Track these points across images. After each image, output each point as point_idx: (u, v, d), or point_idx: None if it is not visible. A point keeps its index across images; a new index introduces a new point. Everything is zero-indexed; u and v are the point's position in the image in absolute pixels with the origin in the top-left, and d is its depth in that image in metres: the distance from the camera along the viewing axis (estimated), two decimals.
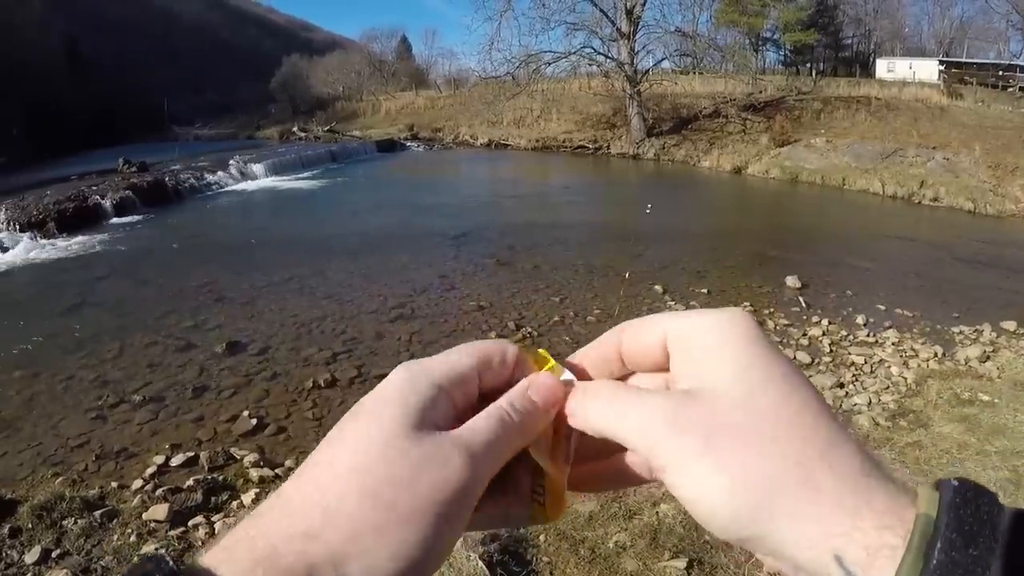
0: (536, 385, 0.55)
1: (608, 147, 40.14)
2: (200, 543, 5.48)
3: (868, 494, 0.42)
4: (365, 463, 0.47)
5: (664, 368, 0.55)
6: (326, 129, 50.19)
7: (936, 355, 10.00)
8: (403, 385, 0.52)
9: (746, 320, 0.53)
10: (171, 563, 0.44)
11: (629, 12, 38.96)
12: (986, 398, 7.77)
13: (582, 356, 0.59)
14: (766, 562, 0.47)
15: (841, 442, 0.45)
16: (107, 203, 21.87)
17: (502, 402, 0.54)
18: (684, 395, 0.50)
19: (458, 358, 0.55)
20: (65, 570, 5.12)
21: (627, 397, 0.52)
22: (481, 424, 0.52)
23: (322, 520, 0.45)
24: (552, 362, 0.58)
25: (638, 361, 0.57)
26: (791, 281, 13.82)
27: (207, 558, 0.44)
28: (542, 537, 4.65)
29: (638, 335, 0.56)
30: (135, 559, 4.90)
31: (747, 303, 12.55)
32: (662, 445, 0.48)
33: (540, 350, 0.60)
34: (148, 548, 5.37)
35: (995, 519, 0.39)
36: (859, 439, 0.47)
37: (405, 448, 0.48)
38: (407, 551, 0.45)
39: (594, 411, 0.53)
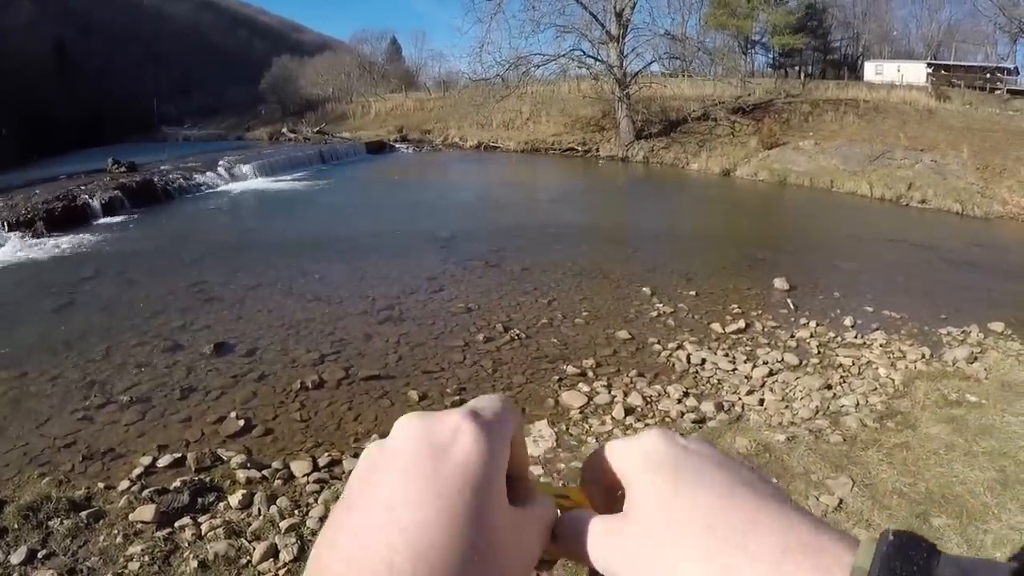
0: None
1: (597, 149, 40.24)
2: (187, 544, 5.46)
3: (792, 571, 0.44)
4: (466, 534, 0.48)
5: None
6: (315, 130, 50.09)
7: (924, 356, 10.04)
8: (487, 460, 0.52)
9: (656, 440, 0.56)
10: None
11: (618, 15, 39.05)
12: (973, 399, 7.80)
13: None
14: None
15: (761, 523, 0.47)
16: (96, 203, 21.81)
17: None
18: (622, 519, 0.53)
19: (512, 425, 0.57)
20: (51, 571, 5.10)
21: (587, 523, 0.55)
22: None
23: None
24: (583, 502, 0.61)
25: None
26: (779, 283, 13.87)
27: None
28: None
29: (593, 468, 0.60)
30: None
31: (735, 305, 12.59)
32: (611, 565, 0.52)
33: (573, 488, 0.62)
34: (134, 549, 5.34)
35: (925, 569, 0.41)
36: (787, 502, 0.50)
37: (508, 522, 0.51)
38: None
39: (568, 541, 0.56)
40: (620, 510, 0.56)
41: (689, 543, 0.48)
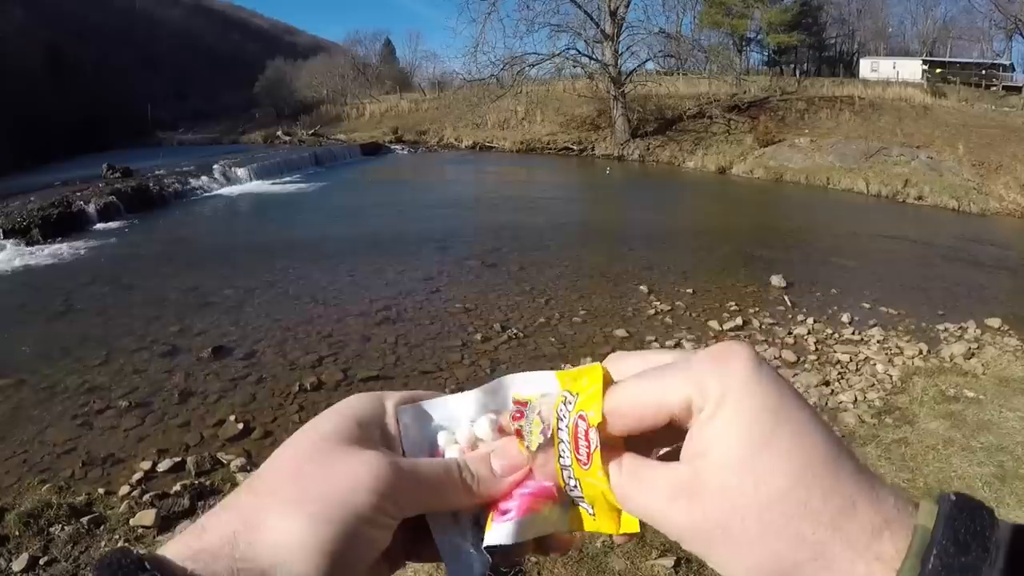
0: (501, 454, 0.57)
1: (593, 148, 40.26)
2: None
3: (879, 547, 0.42)
4: (296, 454, 0.54)
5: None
6: (310, 133, 50.01)
7: (921, 352, 10.04)
8: (340, 406, 0.58)
9: (753, 369, 0.48)
10: (136, 552, 0.47)
11: (613, 14, 39.10)
12: (971, 395, 7.82)
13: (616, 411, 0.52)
14: None
15: (851, 498, 0.44)
16: (91, 209, 21.72)
17: (459, 458, 0.57)
18: (694, 475, 0.47)
19: (369, 400, 0.60)
20: None
21: (642, 473, 0.50)
22: (424, 462, 0.56)
23: (249, 496, 0.53)
24: (599, 403, 0.51)
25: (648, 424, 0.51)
26: (776, 280, 13.85)
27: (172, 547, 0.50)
28: None
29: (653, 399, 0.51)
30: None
31: (732, 302, 12.59)
32: (672, 526, 0.48)
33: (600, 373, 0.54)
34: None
35: (987, 531, 0.40)
36: (866, 470, 0.46)
37: (332, 447, 0.53)
38: (320, 532, 0.49)
39: (619, 486, 0.51)
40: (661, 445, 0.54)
41: (779, 524, 0.44)
